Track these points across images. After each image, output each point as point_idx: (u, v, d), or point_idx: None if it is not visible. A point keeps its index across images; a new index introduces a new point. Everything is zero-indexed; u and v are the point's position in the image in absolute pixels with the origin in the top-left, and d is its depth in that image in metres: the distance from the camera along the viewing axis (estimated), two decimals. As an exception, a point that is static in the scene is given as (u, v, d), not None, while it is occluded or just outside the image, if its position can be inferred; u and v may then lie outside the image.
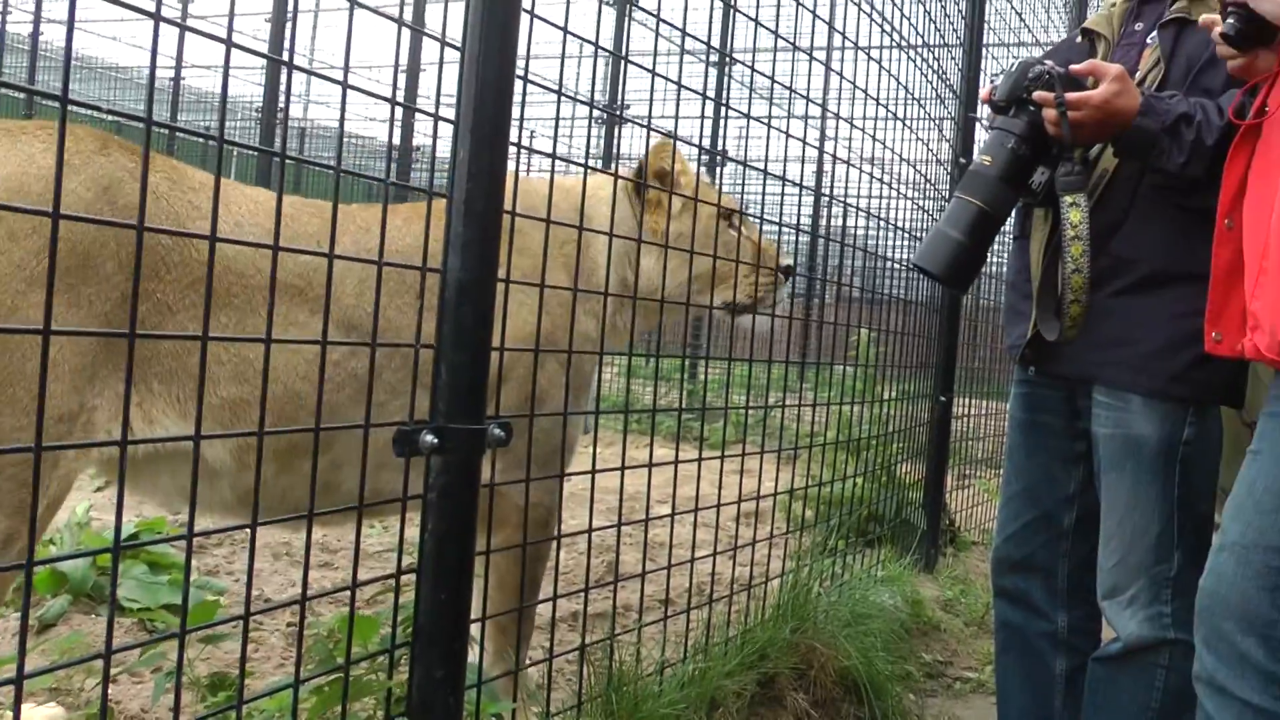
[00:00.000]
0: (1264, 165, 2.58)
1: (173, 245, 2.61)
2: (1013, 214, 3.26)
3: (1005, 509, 3.50)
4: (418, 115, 11.83)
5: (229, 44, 1.69)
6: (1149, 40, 3.14)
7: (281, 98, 11.31)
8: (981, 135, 6.65)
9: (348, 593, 2.19)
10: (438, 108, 2.21)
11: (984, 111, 6.43)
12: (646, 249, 3.55)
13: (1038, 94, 2.89)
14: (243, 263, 2.75)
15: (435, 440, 2.14)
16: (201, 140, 14.65)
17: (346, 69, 1.95)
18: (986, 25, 6.66)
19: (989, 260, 3.06)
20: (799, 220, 11.94)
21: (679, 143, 3.55)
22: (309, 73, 2.22)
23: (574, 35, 2.77)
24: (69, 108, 1.49)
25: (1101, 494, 3.16)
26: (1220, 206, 2.70)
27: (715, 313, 3.81)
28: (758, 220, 3.94)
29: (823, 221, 11.82)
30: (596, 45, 2.74)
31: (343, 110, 1.96)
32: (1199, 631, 2.57)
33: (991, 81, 3.09)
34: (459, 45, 2.20)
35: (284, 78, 11.44)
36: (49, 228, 1.74)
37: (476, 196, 2.18)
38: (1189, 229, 2.92)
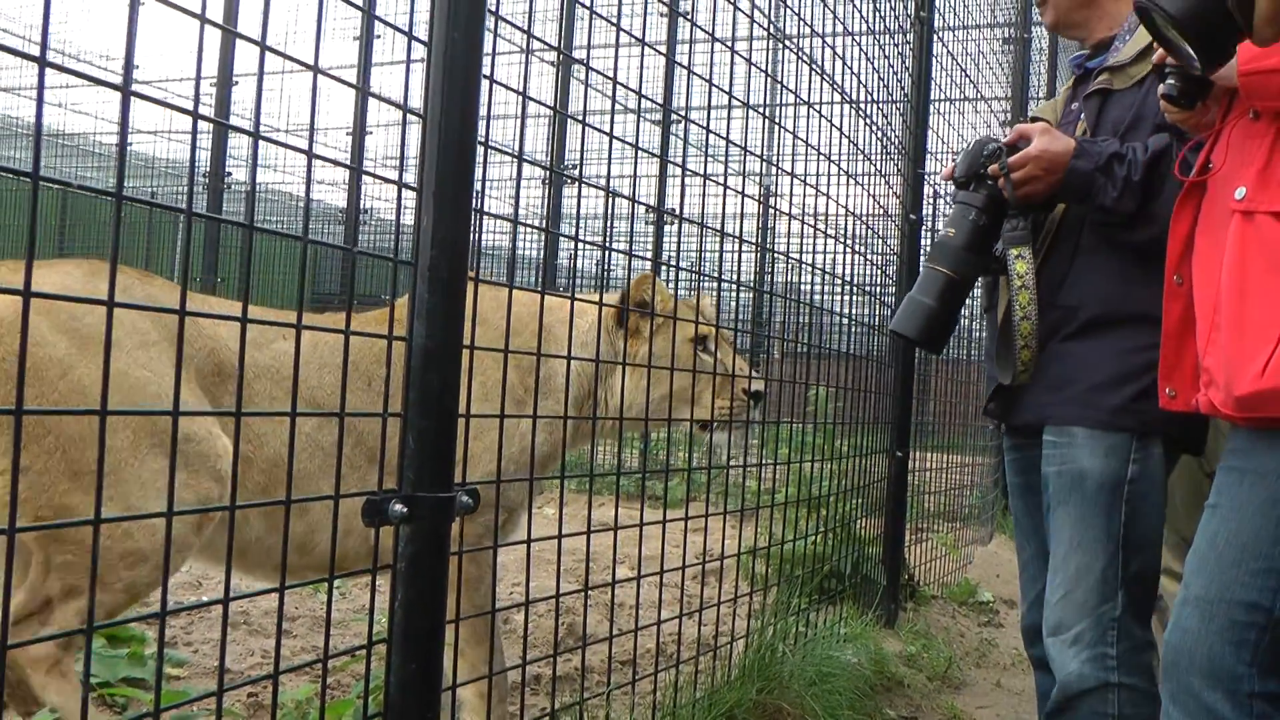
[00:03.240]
0: (1210, 222, 2.61)
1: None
2: (980, 287, 3.58)
3: (1023, 576, 3.54)
4: (368, 179, 11.83)
5: (195, 115, 1.69)
6: (1080, 117, 3.34)
7: (240, 166, 11.26)
8: (928, 190, 6.77)
9: (306, 663, 2.16)
10: (401, 175, 2.20)
11: (931, 166, 6.56)
12: (623, 370, 3.92)
13: (991, 168, 3.14)
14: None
15: (404, 509, 2.12)
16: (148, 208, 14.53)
17: (312, 138, 1.94)
18: (933, 83, 6.72)
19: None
20: (737, 275, 11.98)
21: (655, 277, 3.95)
22: (278, 144, 2.21)
23: (533, 100, 2.79)
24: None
25: (1049, 531, 3.20)
26: (1168, 262, 2.73)
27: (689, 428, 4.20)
28: (732, 339, 4.24)
29: (767, 277, 11.85)
30: (555, 109, 2.75)
31: (309, 179, 1.95)
32: (1165, 687, 2.56)
33: (952, 160, 3.32)
34: (420, 112, 2.19)
35: (249, 147, 11.41)
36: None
37: (441, 263, 2.17)
38: (1128, 274, 3.11)
